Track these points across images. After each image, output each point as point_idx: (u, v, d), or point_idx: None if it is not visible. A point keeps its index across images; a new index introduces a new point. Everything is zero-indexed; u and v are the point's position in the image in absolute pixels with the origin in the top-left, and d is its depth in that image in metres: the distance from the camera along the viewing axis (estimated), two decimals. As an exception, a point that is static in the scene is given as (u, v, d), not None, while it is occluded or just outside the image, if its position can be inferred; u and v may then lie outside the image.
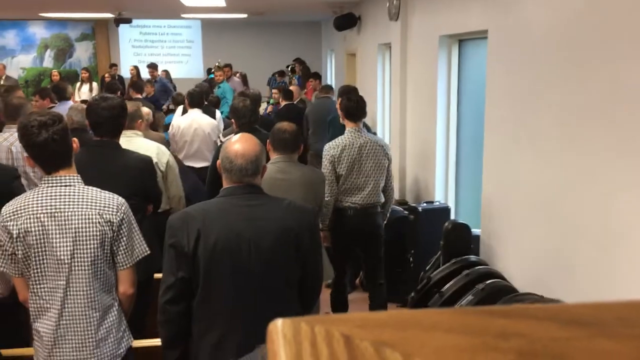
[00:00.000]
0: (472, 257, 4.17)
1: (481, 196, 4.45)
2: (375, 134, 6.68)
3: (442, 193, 5.56)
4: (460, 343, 0.27)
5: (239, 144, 2.34)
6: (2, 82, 9.39)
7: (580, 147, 3.08)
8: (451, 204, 5.32)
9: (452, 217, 5.06)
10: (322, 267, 2.59)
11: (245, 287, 2.26)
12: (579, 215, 3.09)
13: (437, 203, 5.19)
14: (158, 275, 3.11)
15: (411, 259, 4.98)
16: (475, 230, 4.43)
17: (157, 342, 2.95)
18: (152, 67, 11.26)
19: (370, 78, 8.46)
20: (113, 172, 3.13)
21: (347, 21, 9.36)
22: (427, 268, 4.47)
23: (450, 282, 3.91)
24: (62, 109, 6.10)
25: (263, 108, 8.63)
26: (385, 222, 4.46)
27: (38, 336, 2.36)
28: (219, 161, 2.38)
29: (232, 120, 4.62)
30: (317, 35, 15.04)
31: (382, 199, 4.33)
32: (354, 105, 4.18)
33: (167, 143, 5.20)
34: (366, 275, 4.71)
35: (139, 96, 7.89)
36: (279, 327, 0.28)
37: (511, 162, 3.93)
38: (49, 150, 2.30)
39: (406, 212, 5.08)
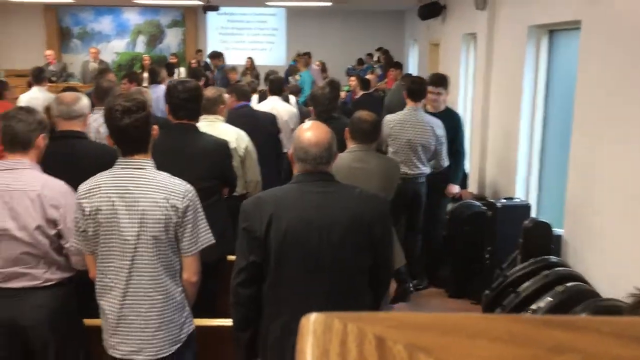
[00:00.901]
0: (553, 258, 3.99)
1: (565, 194, 4.24)
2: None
3: (523, 190, 5.35)
4: (506, 354, 0.24)
5: (311, 132, 2.32)
6: (96, 65, 9.88)
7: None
8: (532, 202, 5.11)
9: (533, 215, 4.86)
10: (392, 256, 2.56)
11: (315, 273, 2.26)
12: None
13: (517, 200, 5.01)
14: (232, 257, 3.19)
15: (487, 255, 4.84)
16: (557, 230, 4.24)
17: (227, 322, 3.02)
18: (214, 56, 11.50)
19: (453, 69, 8.25)
20: (190, 154, 3.22)
21: (431, 10, 9.16)
22: (503, 266, 4.32)
23: (528, 282, 3.76)
24: (154, 91, 6.36)
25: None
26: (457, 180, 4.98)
27: (103, 313, 2.44)
28: (290, 150, 2.39)
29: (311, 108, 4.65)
30: (400, 24, 14.82)
31: (427, 170, 4.77)
32: (417, 88, 4.79)
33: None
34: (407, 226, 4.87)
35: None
36: (310, 322, 0.26)
37: (601, 161, 3.71)
38: (129, 136, 2.37)
39: (484, 207, 4.93)
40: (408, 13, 13.92)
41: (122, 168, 2.38)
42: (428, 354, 0.24)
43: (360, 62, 12.43)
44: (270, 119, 5.03)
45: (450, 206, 5.18)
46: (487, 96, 6.31)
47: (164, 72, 6.41)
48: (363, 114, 3.49)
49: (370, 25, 14.82)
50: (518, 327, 0.26)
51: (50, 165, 2.74)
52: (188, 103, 3.29)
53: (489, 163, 6.25)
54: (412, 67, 13.28)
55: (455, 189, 5.12)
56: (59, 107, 3.23)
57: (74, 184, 2.71)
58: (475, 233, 4.85)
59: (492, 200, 5.04)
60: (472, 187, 6.28)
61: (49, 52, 11.18)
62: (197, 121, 3.40)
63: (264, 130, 4.79)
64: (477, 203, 5.08)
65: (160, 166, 2.51)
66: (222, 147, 3.39)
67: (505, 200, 4.92)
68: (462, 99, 8.00)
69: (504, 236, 4.62)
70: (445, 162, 4.88)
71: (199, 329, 2.71)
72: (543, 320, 0.27)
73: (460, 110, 8.00)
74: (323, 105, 4.42)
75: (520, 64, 5.29)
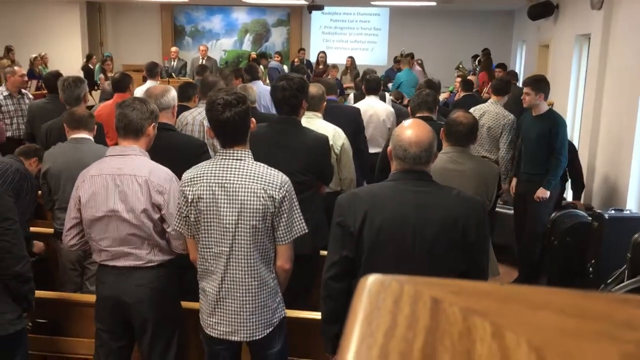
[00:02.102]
0: (664, 276, 3.69)
1: (683, 209, 3.92)
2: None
3: (636, 201, 5.00)
4: (570, 326, 0.22)
5: (412, 130, 2.28)
6: (204, 62, 10.34)
7: None
8: (645, 215, 4.76)
9: (645, 229, 4.52)
10: (487, 263, 2.47)
11: (407, 271, 2.20)
12: None
13: (628, 212, 4.68)
14: (323, 252, 3.22)
15: (591, 269, 4.56)
16: (671, 246, 3.91)
17: (316, 315, 3.06)
18: (262, 56, 11.80)
19: (563, 71, 7.85)
20: (292, 148, 3.28)
21: (543, 10, 8.77)
22: (608, 281, 4.06)
23: (634, 300, 3.51)
24: (255, 87, 6.55)
25: (442, 97, 8.46)
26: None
27: (204, 294, 2.56)
28: (390, 147, 2.36)
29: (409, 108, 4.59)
30: (509, 25, 14.29)
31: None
32: (502, 85, 5.65)
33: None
34: None
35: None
36: (367, 282, 0.26)
37: None
38: (229, 128, 2.46)
39: (589, 218, 4.65)
40: (517, 13, 13.41)
41: (223, 159, 2.48)
42: (483, 317, 0.23)
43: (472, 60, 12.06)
44: (353, 113, 5.00)
45: (553, 214, 4.93)
46: (599, 101, 5.95)
47: (260, 69, 6.60)
48: (459, 115, 3.39)
49: (476, 25, 14.41)
50: (588, 302, 0.25)
51: None
52: (291, 99, 3.37)
53: (597, 171, 5.90)
54: (519, 69, 12.78)
55: (544, 194, 4.81)
56: (148, 99, 3.42)
57: None
58: (578, 245, 4.59)
59: (599, 211, 4.75)
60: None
61: (174, 49, 11.87)
62: (298, 116, 3.46)
63: (345, 124, 4.78)
64: (582, 213, 4.81)
65: (262, 157, 2.58)
66: (322, 143, 3.43)
67: (614, 212, 4.61)
68: (572, 102, 7.59)
69: (611, 249, 4.33)
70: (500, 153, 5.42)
71: (289, 319, 2.76)
72: (618, 298, 0.25)
73: (569, 114, 7.60)
74: (418, 105, 4.34)
75: (637, 66, 4.94)
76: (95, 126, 3.88)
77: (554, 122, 4.69)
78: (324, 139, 3.48)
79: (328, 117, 4.41)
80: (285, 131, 3.38)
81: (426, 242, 2.21)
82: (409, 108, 4.91)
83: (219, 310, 2.51)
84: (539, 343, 0.21)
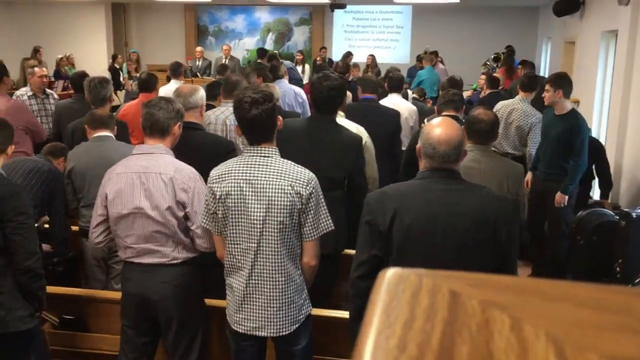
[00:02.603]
0: (694, 276, 3.62)
1: None
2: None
3: (664, 200, 4.90)
4: (590, 318, 0.22)
5: (441, 129, 2.26)
6: (227, 62, 10.41)
7: None
8: (674, 214, 4.66)
9: (674, 228, 4.43)
10: (517, 262, 2.44)
11: (437, 269, 2.21)
12: None
13: (656, 211, 4.59)
14: (349, 252, 3.23)
15: (618, 269, 4.49)
16: (700, 246, 3.84)
17: (340, 314, 3.07)
18: (272, 58, 11.67)
19: (589, 68, 7.73)
20: (325, 142, 3.30)
21: (568, 6, 8.63)
22: (635, 281, 3.99)
23: (663, 301, 3.45)
24: (278, 86, 6.58)
25: (465, 95, 8.37)
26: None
27: (230, 290, 2.59)
28: (418, 145, 2.35)
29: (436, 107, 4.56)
30: (533, 21, 14.09)
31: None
32: (530, 81, 5.68)
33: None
34: None
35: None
36: (386, 275, 0.26)
37: None
38: (257, 125, 2.49)
39: (616, 217, 4.57)
40: (542, 9, 13.22)
41: (250, 156, 2.51)
42: (502, 310, 0.23)
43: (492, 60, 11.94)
44: (394, 115, 4.97)
45: (579, 213, 4.85)
46: (626, 98, 5.84)
47: (283, 68, 6.61)
48: (480, 113, 3.35)
49: (499, 22, 14.24)
50: (608, 295, 0.24)
51: None
52: (336, 99, 3.38)
53: (625, 169, 5.80)
54: (544, 66, 12.61)
55: (563, 199, 4.67)
56: (176, 99, 3.45)
57: None
58: (604, 244, 4.51)
59: (626, 210, 4.67)
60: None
61: (199, 48, 11.98)
62: (334, 115, 3.47)
63: (383, 125, 4.75)
64: (609, 211, 4.73)
65: (297, 151, 2.60)
66: (357, 142, 3.42)
67: (641, 210, 4.53)
68: (599, 100, 7.47)
69: (638, 249, 4.26)
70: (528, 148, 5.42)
71: (314, 317, 2.77)
72: (639, 292, 0.25)
73: (595, 112, 7.48)
74: (445, 104, 4.32)
75: (666, 62, 4.85)
76: (116, 126, 3.94)
77: (575, 123, 4.60)
78: (359, 139, 3.47)
79: (366, 116, 4.39)
80: (322, 127, 3.39)
81: (456, 241, 2.19)
82: (435, 107, 4.88)
83: (246, 305, 2.53)
84: (558, 335, 0.21)
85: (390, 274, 0.27)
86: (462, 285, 0.25)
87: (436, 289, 0.25)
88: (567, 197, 4.67)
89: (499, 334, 0.22)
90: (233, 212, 2.49)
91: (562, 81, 4.68)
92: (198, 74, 10.94)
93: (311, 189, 2.47)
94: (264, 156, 2.49)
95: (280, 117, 2.60)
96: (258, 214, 2.45)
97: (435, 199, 2.23)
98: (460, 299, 0.24)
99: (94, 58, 13.81)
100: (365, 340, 0.23)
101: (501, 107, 5.54)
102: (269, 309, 2.51)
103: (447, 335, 0.22)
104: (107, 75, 9.15)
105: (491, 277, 0.27)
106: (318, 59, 12.57)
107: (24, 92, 5.92)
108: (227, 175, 2.50)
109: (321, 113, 3.41)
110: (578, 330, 0.21)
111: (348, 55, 12.07)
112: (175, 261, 2.75)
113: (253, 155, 2.50)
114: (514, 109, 5.47)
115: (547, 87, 4.71)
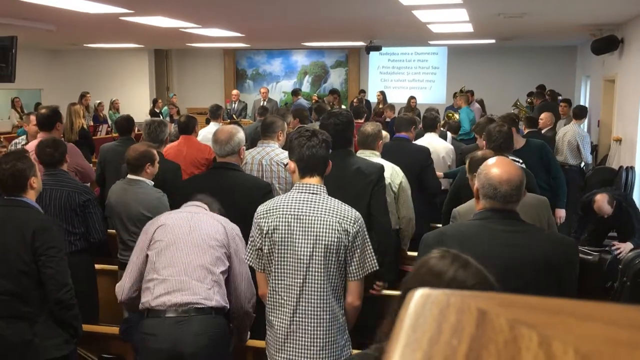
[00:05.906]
0: None
1: None
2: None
3: None
4: (620, 336, 0.22)
5: (501, 168, 2.23)
6: (265, 104, 10.60)
7: None
8: None
9: None
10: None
11: None
12: None
13: None
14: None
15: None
16: None
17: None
18: (295, 94, 12.01)
19: (631, 105, 7.60)
20: (343, 179, 3.31)
21: (606, 45, 8.56)
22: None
23: None
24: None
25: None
26: None
27: (271, 329, 2.53)
28: (476, 185, 2.32)
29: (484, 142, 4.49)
30: (571, 60, 13.99)
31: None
32: (579, 111, 7.34)
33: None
34: None
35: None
36: (415, 295, 0.26)
37: None
38: (313, 160, 2.52)
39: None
40: (580, 48, 13.14)
41: (299, 192, 2.51)
42: (530, 328, 0.22)
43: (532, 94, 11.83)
44: (420, 152, 4.97)
45: (630, 254, 4.67)
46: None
47: (325, 106, 6.73)
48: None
49: (537, 61, 14.18)
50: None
51: (207, 193, 3.01)
52: (346, 132, 3.44)
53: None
54: (584, 103, 12.44)
55: (563, 213, 5.07)
56: (214, 146, 3.58)
57: (226, 211, 2.94)
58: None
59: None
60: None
61: (235, 91, 12.29)
62: (348, 149, 3.52)
63: (415, 163, 4.75)
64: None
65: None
66: (376, 170, 3.43)
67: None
68: (641, 137, 7.30)
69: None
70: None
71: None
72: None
73: (638, 149, 7.32)
74: (497, 141, 4.18)
75: None
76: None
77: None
78: (379, 167, 3.47)
79: (395, 154, 4.41)
80: (341, 161, 3.40)
81: (520, 283, 2.14)
82: (484, 146, 4.82)
83: (289, 344, 2.47)
84: (587, 351, 0.20)
85: (418, 294, 0.27)
86: (490, 304, 0.25)
87: (464, 307, 0.25)
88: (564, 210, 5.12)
89: (526, 350, 0.22)
90: (279, 247, 2.46)
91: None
92: (234, 116, 11.18)
93: (358, 227, 2.45)
94: (313, 193, 2.49)
95: (330, 162, 2.63)
96: (305, 249, 2.43)
97: (497, 240, 2.19)
98: (489, 316, 0.24)
99: (137, 102, 14.29)
100: (392, 354, 0.23)
101: (562, 133, 7.59)
102: (312, 347, 2.44)
103: (473, 350, 0.22)
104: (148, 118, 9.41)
105: (520, 297, 0.27)
106: (355, 100, 12.71)
107: (19, 140, 5.85)
108: (274, 210, 2.50)
109: (334, 148, 3.46)
110: (608, 347, 0.21)
111: (360, 92, 12.43)
112: (209, 303, 2.59)
113: (301, 192, 2.51)
114: (568, 130, 7.49)
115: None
